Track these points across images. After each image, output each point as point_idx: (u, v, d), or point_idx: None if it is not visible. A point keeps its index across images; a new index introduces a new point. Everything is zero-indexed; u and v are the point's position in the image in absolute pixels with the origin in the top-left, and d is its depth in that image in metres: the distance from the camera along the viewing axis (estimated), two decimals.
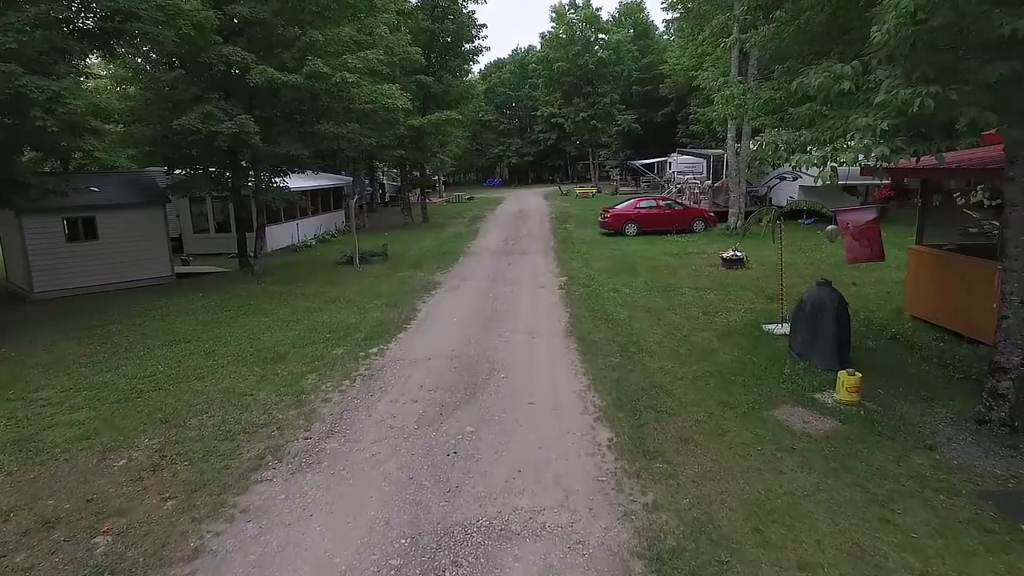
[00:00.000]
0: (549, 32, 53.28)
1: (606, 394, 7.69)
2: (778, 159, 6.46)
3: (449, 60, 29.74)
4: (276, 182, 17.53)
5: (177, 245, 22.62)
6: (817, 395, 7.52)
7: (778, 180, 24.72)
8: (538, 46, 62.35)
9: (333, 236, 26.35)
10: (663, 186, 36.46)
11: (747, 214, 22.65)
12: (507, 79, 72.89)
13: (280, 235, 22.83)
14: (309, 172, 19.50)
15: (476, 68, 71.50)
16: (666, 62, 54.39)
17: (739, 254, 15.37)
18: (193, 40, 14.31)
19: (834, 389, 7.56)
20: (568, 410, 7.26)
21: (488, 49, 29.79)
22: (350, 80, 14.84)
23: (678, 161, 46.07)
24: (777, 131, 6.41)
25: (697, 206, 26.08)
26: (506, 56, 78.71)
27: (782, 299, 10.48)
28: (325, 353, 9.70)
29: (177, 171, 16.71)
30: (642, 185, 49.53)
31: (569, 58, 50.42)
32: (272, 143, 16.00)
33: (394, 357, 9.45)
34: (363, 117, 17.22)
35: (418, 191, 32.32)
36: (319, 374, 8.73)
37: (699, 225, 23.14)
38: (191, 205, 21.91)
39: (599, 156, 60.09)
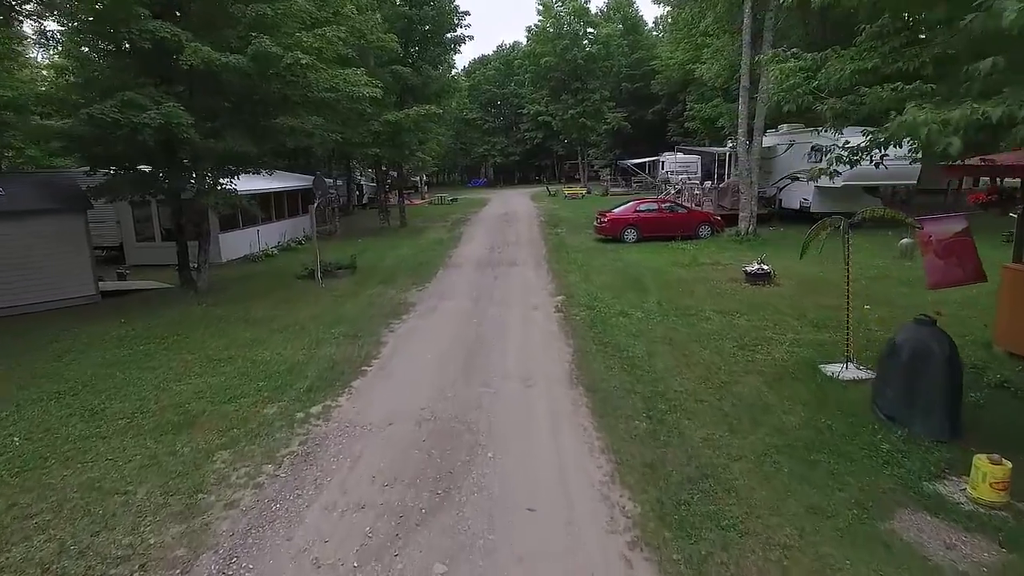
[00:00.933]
0: (536, 26, 50.99)
1: (639, 490, 5.33)
2: (937, 148, 4.16)
3: (429, 50, 27.25)
4: (223, 183, 14.96)
5: (119, 255, 20.07)
6: (941, 488, 5.24)
7: (789, 180, 22.62)
8: (524, 42, 60.19)
9: (300, 243, 23.76)
10: (660, 187, 34.25)
11: (760, 217, 20.52)
12: (492, 76, 70.51)
13: (237, 243, 20.24)
14: (266, 172, 16.95)
15: (459, 61, 68.45)
16: (657, 58, 52.42)
17: (765, 267, 13.13)
18: (111, 12, 11.82)
19: (960, 476, 5.32)
20: (587, 524, 4.89)
21: (471, 39, 27.44)
22: (303, 62, 12.35)
23: (671, 160, 44.21)
24: (923, 107, 4.11)
25: (699, 208, 23.90)
26: (491, 53, 76.40)
27: (848, 332, 8.20)
28: (251, 414, 7.23)
29: (103, 171, 14.07)
30: (633, 185, 47.52)
31: (557, 52, 48.14)
32: (215, 138, 13.47)
33: (343, 420, 7.01)
34: (324, 108, 14.71)
35: (396, 193, 29.80)
36: (234, 452, 6.27)
37: (705, 230, 20.94)
38: (134, 210, 19.25)
39: (587, 155, 57.92)
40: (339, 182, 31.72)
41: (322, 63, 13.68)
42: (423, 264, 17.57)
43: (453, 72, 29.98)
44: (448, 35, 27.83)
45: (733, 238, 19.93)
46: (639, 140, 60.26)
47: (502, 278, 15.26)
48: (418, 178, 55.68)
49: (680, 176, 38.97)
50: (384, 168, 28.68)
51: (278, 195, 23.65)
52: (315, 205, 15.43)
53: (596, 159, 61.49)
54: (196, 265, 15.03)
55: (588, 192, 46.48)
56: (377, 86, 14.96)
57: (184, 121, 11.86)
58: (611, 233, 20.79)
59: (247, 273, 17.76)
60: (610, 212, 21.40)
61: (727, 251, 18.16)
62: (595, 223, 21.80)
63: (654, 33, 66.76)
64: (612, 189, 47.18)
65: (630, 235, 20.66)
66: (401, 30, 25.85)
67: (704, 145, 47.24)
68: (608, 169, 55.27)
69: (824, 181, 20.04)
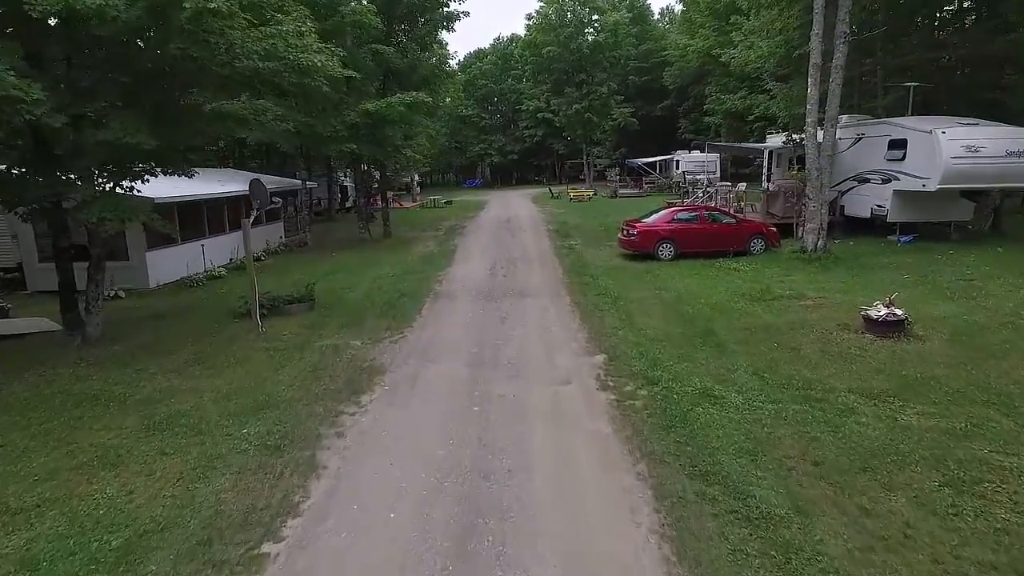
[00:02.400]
0: (537, 12, 46.88)
1: None
2: None
3: (417, 27, 22.99)
4: (124, 187, 10.78)
5: (21, 278, 15.89)
6: None
7: (855, 183, 18.53)
8: (522, 33, 56.04)
9: (260, 259, 19.53)
10: (688, 189, 29.97)
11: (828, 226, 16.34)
12: (488, 71, 66.27)
13: (171, 263, 16.01)
14: (183, 174, 12.60)
15: (452, 45, 64.24)
16: (667, 48, 48.49)
17: (898, 313, 8.99)
18: None
19: None
20: None
21: (467, 15, 23.07)
22: (212, 6, 8.14)
23: (686, 159, 40.33)
24: None
25: (742, 216, 19.78)
26: (487, 46, 72.19)
27: None
28: None
29: None
30: (645, 187, 43.45)
31: (560, 41, 44.09)
32: (99, 126, 9.34)
33: None
34: (265, 85, 10.50)
35: (378, 197, 25.57)
36: None
37: (757, 244, 16.83)
38: (34, 221, 14.98)
39: (591, 154, 53.67)
40: (309, 184, 27.41)
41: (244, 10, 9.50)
42: (404, 295, 13.34)
43: (450, 61, 25.61)
44: (439, 10, 23.55)
45: (797, 255, 15.79)
46: (646, 138, 56.27)
47: (511, 319, 11.08)
48: (410, 179, 51.43)
49: (700, 176, 35.09)
50: (366, 168, 24.47)
51: (231, 201, 19.42)
52: (251, 218, 11.23)
53: (599, 158, 57.30)
54: (87, 301, 10.83)
55: (595, 194, 42.33)
56: (337, 54, 10.77)
57: (26, 95, 7.65)
58: (642, 248, 16.66)
59: (173, 306, 13.54)
60: (640, 222, 17.26)
61: (796, 273, 14.08)
62: (621, 235, 17.66)
63: (660, 25, 62.88)
64: (621, 191, 42.98)
65: (666, 251, 16.54)
66: (383, 4, 21.62)
67: (717, 140, 43.40)
68: (616, 169, 50.85)
69: (908, 184, 15.93)
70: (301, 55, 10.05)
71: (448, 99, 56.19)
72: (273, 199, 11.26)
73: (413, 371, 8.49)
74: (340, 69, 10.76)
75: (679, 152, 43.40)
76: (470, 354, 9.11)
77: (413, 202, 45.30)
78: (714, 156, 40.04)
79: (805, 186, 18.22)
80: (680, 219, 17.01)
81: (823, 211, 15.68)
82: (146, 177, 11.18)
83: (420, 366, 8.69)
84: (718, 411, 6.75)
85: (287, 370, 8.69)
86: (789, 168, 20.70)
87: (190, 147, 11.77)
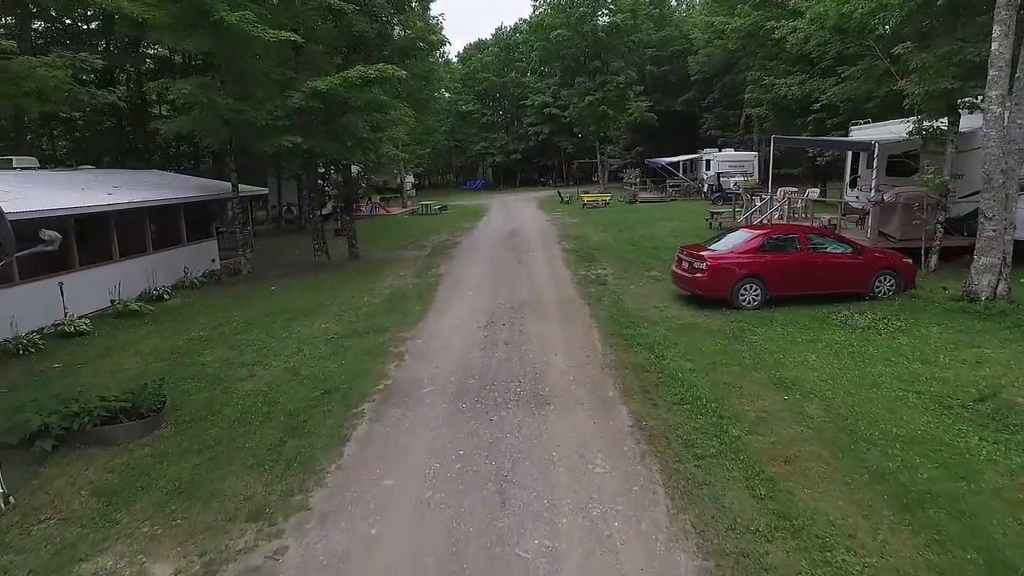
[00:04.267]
0: None
1: None
2: None
3: None
4: None
5: None
6: None
7: (1019, 192, 12.78)
8: (527, 18, 50.36)
9: (164, 298, 13.98)
10: (735, 193, 23.96)
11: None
12: (490, 63, 60.54)
13: (33, 302, 10.45)
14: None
15: (451, 46, 58.90)
16: (690, 34, 42.81)
17: None
18: None
19: None
20: None
21: None
22: None
23: (719, 159, 34.92)
24: None
25: (834, 231, 14.02)
26: (488, 37, 66.56)
27: None
28: None
29: None
30: (669, 190, 37.72)
31: (571, 24, 38.46)
32: None
33: None
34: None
35: (345, 206, 19.88)
36: None
37: (885, 284, 11.18)
38: None
39: (604, 152, 47.84)
40: (255, 189, 21.92)
41: None
42: (332, 391, 7.61)
43: (437, 26, 19.85)
44: None
45: (960, 304, 10.14)
46: (665, 135, 50.63)
47: (520, 487, 5.38)
48: (400, 180, 45.82)
49: (736, 178, 29.58)
50: (324, 169, 18.89)
51: (129, 217, 13.89)
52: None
53: (612, 157, 51.46)
54: None
55: (611, 198, 36.56)
56: None
57: None
58: (714, 291, 10.98)
59: None
60: (708, 249, 11.56)
61: (982, 340, 8.45)
62: (676, 267, 11.97)
63: (678, 12, 57.22)
64: (641, 195, 37.15)
65: (750, 294, 10.91)
66: None
67: (747, 137, 37.90)
68: (635, 170, 44.74)
69: None
70: None
71: (446, 93, 50.67)
72: (45, 235, 5.58)
73: None
74: None
75: (708, 150, 37.76)
76: None
77: (403, 208, 39.65)
78: (752, 155, 34.58)
79: (942, 197, 12.68)
80: (771, 247, 11.30)
81: (1007, 237, 10.00)
82: None
83: None
84: None
85: None
86: (909, 170, 14.95)
87: None
